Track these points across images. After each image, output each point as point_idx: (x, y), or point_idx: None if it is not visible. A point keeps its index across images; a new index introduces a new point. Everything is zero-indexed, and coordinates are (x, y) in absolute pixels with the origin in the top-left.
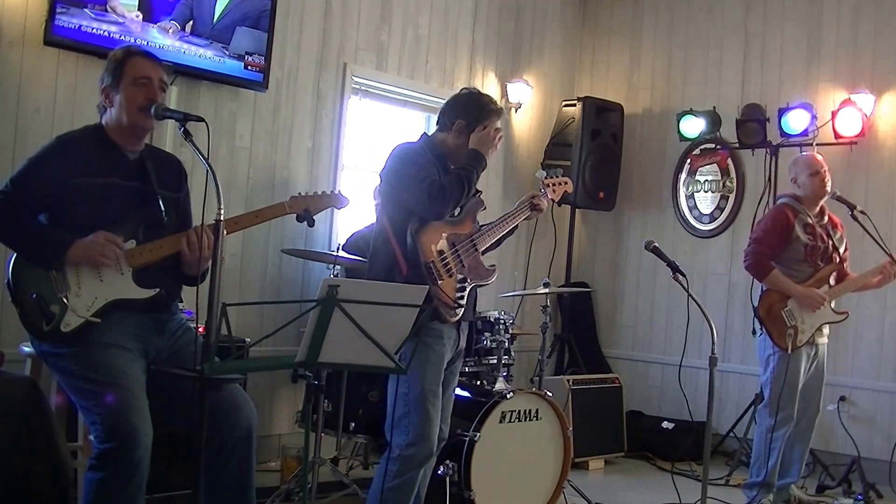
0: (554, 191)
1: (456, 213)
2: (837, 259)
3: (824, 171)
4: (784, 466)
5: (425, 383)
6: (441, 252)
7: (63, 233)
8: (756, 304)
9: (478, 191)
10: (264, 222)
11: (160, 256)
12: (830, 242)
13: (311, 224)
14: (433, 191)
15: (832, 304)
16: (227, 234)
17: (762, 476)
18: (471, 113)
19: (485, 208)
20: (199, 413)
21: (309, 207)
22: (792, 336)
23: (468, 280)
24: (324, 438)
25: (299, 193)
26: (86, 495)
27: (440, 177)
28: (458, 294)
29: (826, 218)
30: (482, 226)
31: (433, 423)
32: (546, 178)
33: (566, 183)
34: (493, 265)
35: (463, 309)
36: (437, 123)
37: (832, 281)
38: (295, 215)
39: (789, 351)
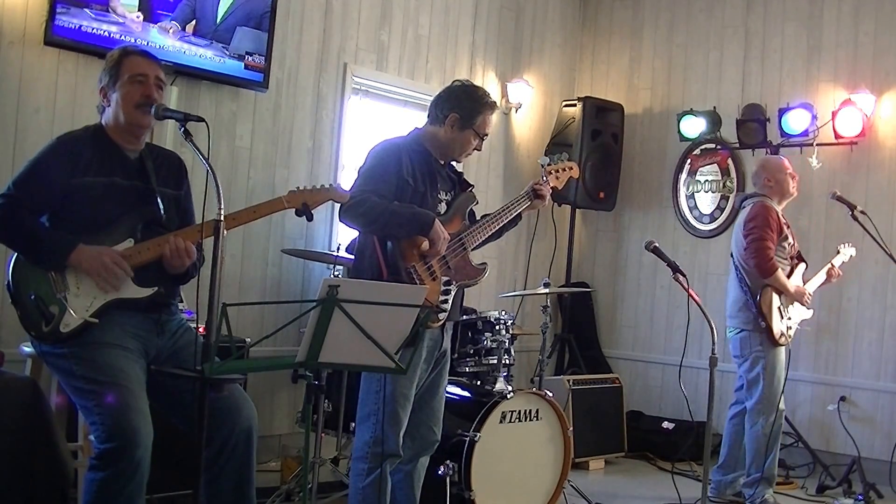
0: (557, 178)
1: (444, 212)
2: (801, 259)
3: (794, 173)
4: (741, 460)
5: (397, 385)
6: (424, 255)
7: (65, 234)
8: (758, 300)
9: (470, 185)
10: (263, 218)
11: (159, 255)
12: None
13: (310, 218)
14: (362, 207)
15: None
16: (227, 230)
17: (761, 471)
18: (465, 107)
19: (477, 203)
20: (199, 413)
21: (307, 201)
22: (784, 332)
23: (454, 282)
24: (324, 438)
25: (297, 188)
26: (86, 495)
27: (415, 177)
28: (443, 298)
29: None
30: (482, 217)
31: (399, 425)
32: (549, 164)
33: (571, 168)
34: (484, 263)
35: (447, 312)
36: (429, 116)
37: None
38: (293, 210)
39: (788, 346)
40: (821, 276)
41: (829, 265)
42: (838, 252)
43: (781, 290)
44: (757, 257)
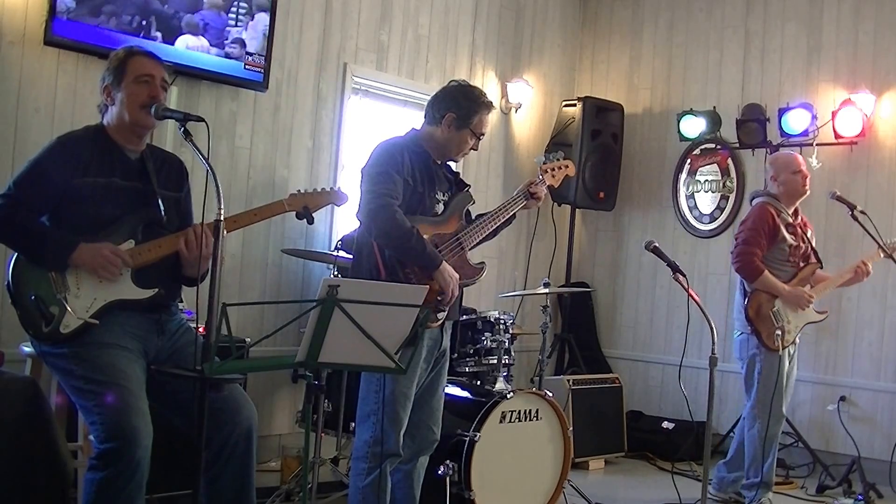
0: (553, 176)
1: (440, 212)
2: (814, 259)
3: (805, 171)
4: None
5: (398, 385)
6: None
7: (66, 234)
8: (745, 304)
9: (467, 185)
10: (264, 220)
11: (159, 256)
12: (809, 243)
13: (311, 221)
14: (383, 213)
15: (813, 305)
16: (227, 232)
17: (759, 475)
18: (461, 106)
19: (473, 202)
20: (199, 413)
21: (308, 204)
22: (780, 336)
23: None
24: (324, 438)
25: (298, 190)
26: (86, 495)
27: (415, 177)
28: (441, 297)
29: (800, 217)
30: (478, 216)
31: (399, 425)
32: (545, 163)
33: (567, 167)
34: (482, 262)
35: (446, 312)
36: (425, 116)
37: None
38: (294, 213)
39: (780, 351)
40: (840, 277)
41: (860, 263)
42: (882, 249)
43: (773, 293)
44: (740, 261)
